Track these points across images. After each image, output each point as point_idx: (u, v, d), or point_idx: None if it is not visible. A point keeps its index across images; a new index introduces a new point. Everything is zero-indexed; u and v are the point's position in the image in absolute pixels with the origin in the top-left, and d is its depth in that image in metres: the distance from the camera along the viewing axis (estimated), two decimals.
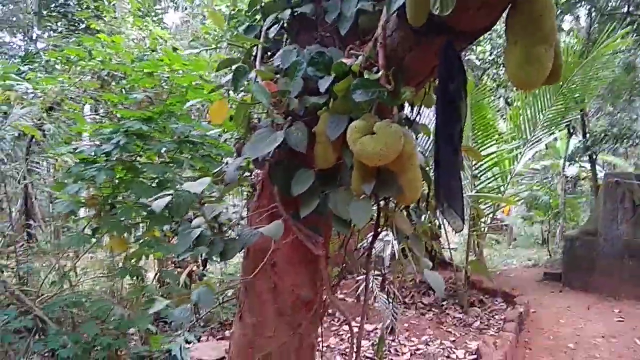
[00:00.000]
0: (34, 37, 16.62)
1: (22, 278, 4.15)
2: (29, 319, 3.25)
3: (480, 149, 5.63)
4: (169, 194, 1.90)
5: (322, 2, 1.93)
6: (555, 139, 14.82)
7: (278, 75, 1.82)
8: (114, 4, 5.79)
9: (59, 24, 9.16)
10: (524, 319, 5.20)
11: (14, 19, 17.27)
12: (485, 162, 5.71)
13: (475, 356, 4.04)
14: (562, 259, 7.47)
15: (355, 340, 2.21)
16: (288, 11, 1.94)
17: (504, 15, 1.34)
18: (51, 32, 9.62)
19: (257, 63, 1.86)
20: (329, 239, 2.14)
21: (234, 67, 2.22)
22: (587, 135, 10.16)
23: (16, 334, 3.39)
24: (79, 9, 7.43)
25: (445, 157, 1.48)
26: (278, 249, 1.97)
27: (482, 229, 6.62)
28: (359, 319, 5.10)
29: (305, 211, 1.75)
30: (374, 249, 3.89)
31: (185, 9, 19.45)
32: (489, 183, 5.88)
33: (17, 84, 3.90)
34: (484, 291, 6.41)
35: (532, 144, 6.08)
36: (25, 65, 6.66)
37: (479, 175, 5.76)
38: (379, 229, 2.07)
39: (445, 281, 6.65)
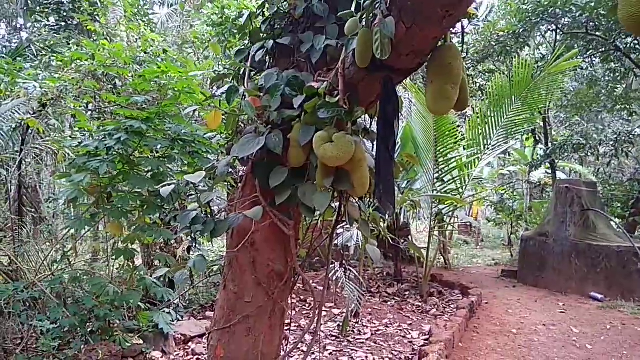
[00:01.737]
0: (18, 27, 16.75)
1: (19, 257, 4.55)
2: (35, 291, 3.69)
3: (444, 153, 6.22)
4: (172, 183, 2.38)
5: (299, 34, 2.44)
6: (524, 147, 15.66)
7: (261, 93, 2.32)
8: (107, 7, 6.19)
9: (49, 18, 9.46)
10: (476, 307, 5.79)
11: None
12: (447, 166, 6.29)
13: (427, 336, 4.59)
14: (518, 257, 8.12)
15: (317, 310, 2.70)
16: (271, 41, 2.43)
17: None
18: (37, 23, 9.91)
19: (246, 83, 2.35)
20: (299, 223, 2.63)
21: (225, 82, 2.73)
22: (549, 143, 10.89)
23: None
24: (73, 8, 7.80)
25: (383, 160, 2.00)
26: (257, 230, 2.47)
27: (446, 229, 7.20)
28: (328, 304, 5.63)
29: (280, 199, 2.24)
30: (340, 239, 4.42)
31: (171, 5, 19.73)
32: (449, 185, 6.47)
33: (24, 82, 4.31)
34: (444, 284, 7.00)
35: (492, 149, 6.67)
36: (14, 57, 7.02)
37: (441, 177, 6.36)
38: (341, 218, 2.59)
39: (409, 274, 7.23)
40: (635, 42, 8.09)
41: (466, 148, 6.70)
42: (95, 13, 6.41)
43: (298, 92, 2.21)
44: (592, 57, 9.97)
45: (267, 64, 2.61)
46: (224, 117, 2.52)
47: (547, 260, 7.21)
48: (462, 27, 1.91)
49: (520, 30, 8.15)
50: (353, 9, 1.89)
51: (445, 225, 7.72)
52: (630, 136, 9.03)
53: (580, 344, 4.81)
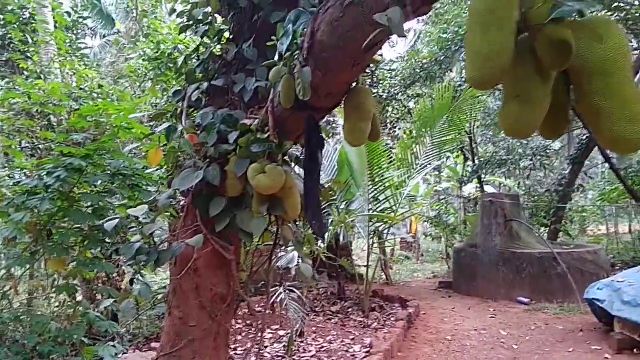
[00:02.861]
0: None
1: None
2: None
3: (378, 173, 6.62)
4: (115, 217, 2.52)
5: (231, 76, 2.68)
6: (456, 164, 16.53)
7: (198, 130, 2.53)
8: (40, 45, 6.18)
9: None
10: (413, 318, 6.13)
11: None
12: (382, 185, 6.69)
13: (368, 348, 4.85)
14: (452, 268, 8.61)
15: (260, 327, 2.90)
16: (206, 83, 2.66)
17: None
18: None
19: (183, 121, 2.56)
20: (239, 248, 2.83)
21: (163, 119, 2.93)
22: (476, 160, 11.64)
23: None
24: (2, 44, 7.66)
25: (310, 187, 2.26)
26: (199, 257, 2.64)
27: (384, 245, 7.59)
28: (274, 326, 5.78)
29: (220, 227, 2.44)
30: (281, 262, 4.62)
31: (104, 35, 19.46)
32: (383, 204, 6.86)
33: None
34: (385, 298, 7.32)
35: (422, 167, 7.15)
36: None
37: (376, 196, 6.74)
38: (278, 241, 2.81)
39: (352, 292, 7.50)
40: None
41: (399, 167, 7.13)
42: (27, 50, 6.38)
43: (232, 129, 2.44)
44: None
45: (203, 102, 2.83)
46: (164, 152, 2.70)
47: (477, 270, 7.72)
48: (371, 72, 2.23)
49: (442, 58, 8.80)
50: (276, 58, 2.15)
51: (384, 242, 8.09)
52: (546, 151, 9.86)
53: (507, 345, 5.23)
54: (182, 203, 2.85)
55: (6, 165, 6.09)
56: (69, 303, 4.44)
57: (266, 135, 2.27)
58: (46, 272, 5.05)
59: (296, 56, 1.98)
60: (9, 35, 6.54)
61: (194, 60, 3.07)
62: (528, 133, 1.29)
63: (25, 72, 6.31)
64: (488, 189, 14.80)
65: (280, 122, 2.31)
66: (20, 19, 6.87)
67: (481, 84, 1.21)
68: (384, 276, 9.76)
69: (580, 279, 6.81)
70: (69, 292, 4.03)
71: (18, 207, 3.73)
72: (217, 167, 2.40)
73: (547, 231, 10.17)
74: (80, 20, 9.25)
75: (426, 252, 16.74)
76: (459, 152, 13.93)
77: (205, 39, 2.95)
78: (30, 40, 6.53)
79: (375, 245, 7.59)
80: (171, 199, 2.60)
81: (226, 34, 2.93)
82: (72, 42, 8.12)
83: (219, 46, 2.86)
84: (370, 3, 1.54)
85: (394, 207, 6.87)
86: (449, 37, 8.46)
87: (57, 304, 4.98)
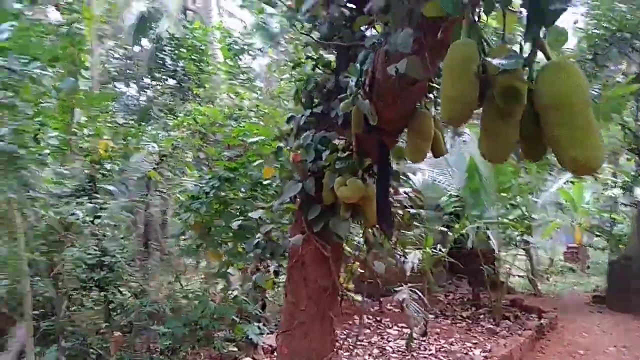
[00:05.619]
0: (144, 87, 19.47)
1: (146, 280, 5.74)
2: (157, 305, 4.77)
3: (504, 181, 6.53)
4: (241, 219, 3.24)
5: (331, 103, 3.22)
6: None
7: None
8: (210, 75, 7.50)
9: (168, 80, 11.27)
10: (546, 329, 5.96)
11: (129, 71, 20.20)
12: (509, 193, 6.58)
13: (487, 353, 4.97)
14: (607, 282, 7.99)
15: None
16: (309, 110, 3.25)
17: None
18: (160, 84, 11.77)
19: (290, 143, 3.18)
20: (338, 248, 3.35)
21: (284, 140, 3.60)
22: None
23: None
24: (185, 73, 9.35)
25: (381, 197, 2.68)
26: (306, 253, 3.23)
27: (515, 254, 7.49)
28: (400, 324, 6.16)
29: (316, 228, 3.00)
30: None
31: (271, 56, 21.65)
32: (515, 211, 6.72)
33: (146, 144, 5.57)
34: (523, 308, 7.16)
35: (559, 174, 6.83)
36: (140, 121, 8.62)
37: (506, 204, 6.67)
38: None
39: (489, 299, 7.48)
40: None
41: (529, 173, 6.90)
42: (200, 80, 7.76)
43: (326, 148, 2.99)
44: None
45: (313, 124, 3.43)
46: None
47: (630, 284, 7.08)
48: (434, 97, 2.58)
49: (592, 55, 8.17)
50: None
51: (527, 251, 7.85)
52: None
53: None
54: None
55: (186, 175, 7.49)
56: (225, 287, 5.43)
57: (345, 154, 2.76)
58: (211, 262, 6.18)
59: (359, 91, 2.44)
60: (187, 68, 8.04)
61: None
62: (502, 159, 1.59)
63: (199, 98, 7.68)
64: None
65: (361, 142, 2.79)
66: (197, 52, 8.37)
67: (452, 121, 1.56)
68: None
69: None
70: (223, 278, 4.97)
71: (186, 209, 4.76)
72: (313, 180, 2.96)
73: None
74: (246, 47, 10.71)
75: (595, 264, 15.28)
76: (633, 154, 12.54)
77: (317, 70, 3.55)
78: (203, 71, 7.93)
79: (514, 253, 7.46)
80: (282, 206, 3.23)
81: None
82: (239, 67, 9.50)
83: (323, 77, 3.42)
84: (395, 55, 1.96)
85: (526, 214, 6.72)
86: (601, 34, 7.86)
87: (221, 288, 6.07)
